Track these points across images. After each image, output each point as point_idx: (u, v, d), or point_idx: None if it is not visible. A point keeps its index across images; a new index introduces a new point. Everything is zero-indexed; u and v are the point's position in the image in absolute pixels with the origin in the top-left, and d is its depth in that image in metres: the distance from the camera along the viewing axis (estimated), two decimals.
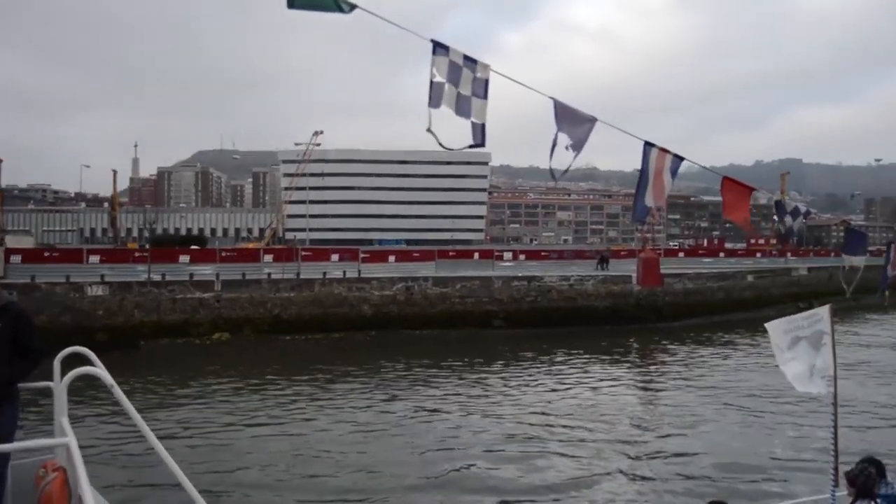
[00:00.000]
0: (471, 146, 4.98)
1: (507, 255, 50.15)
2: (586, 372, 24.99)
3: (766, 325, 7.30)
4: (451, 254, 47.02)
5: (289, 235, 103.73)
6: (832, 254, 65.54)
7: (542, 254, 54.37)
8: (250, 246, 74.39)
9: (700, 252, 64.41)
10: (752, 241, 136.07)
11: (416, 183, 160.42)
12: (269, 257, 38.41)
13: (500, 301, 33.50)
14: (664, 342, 32.07)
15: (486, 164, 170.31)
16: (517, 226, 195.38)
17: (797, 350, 7.02)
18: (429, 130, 4.78)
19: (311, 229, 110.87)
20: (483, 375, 23.86)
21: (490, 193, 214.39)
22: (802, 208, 7.29)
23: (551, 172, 5.08)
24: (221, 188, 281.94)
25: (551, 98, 4.97)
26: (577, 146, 5.01)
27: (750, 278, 43.33)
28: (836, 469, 6.81)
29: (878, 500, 5.91)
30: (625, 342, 31.85)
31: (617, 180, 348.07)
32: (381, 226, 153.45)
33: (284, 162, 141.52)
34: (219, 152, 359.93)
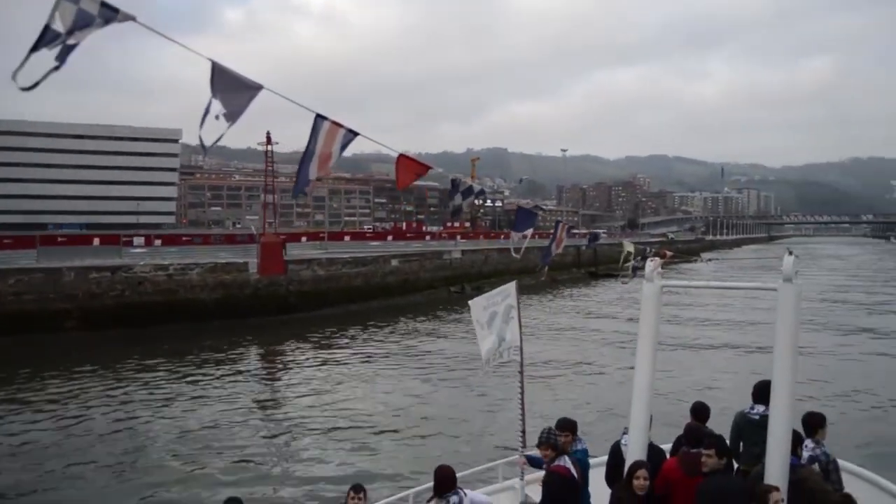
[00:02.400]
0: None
1: (139, 241, 43.49)
2: (187, 381, 22.20)
3: (470, 302, 7.67)
4: (59, 240, 39.46)
5: None
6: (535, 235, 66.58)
7: (184, 238, 48.05)
8: None
9: (349, 235, 61.47)
10: (449, 224, 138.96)
11: (96, 160, 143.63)
12: None
13: (73, 297, 27.43)
14: (289, 340, 30.14)
15: (175, 141, 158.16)
16: (219, 209, 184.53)
17: (494, 325, 7.46)
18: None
19: None
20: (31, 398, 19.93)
21: (191, 174, 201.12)
22: (476, 188, 6.75)
23: (201, 143, 4.42)
24: None
25: (210, 60, 4.40)
26: (233, 116, 4.41)
27: (395, 262, 41.32)
28: (523, 431, 7.47)
29: (569, 458, 6.38)
30: (239, 340, 29.39)
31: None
32: (55, 208, 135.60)
33: None
34: None
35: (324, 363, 25.01)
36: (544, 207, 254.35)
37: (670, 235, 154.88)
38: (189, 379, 22.15)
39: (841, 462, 6.93)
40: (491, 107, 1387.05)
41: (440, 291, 47.34)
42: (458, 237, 68.27)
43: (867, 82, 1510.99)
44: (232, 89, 4.51)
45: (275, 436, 16.22)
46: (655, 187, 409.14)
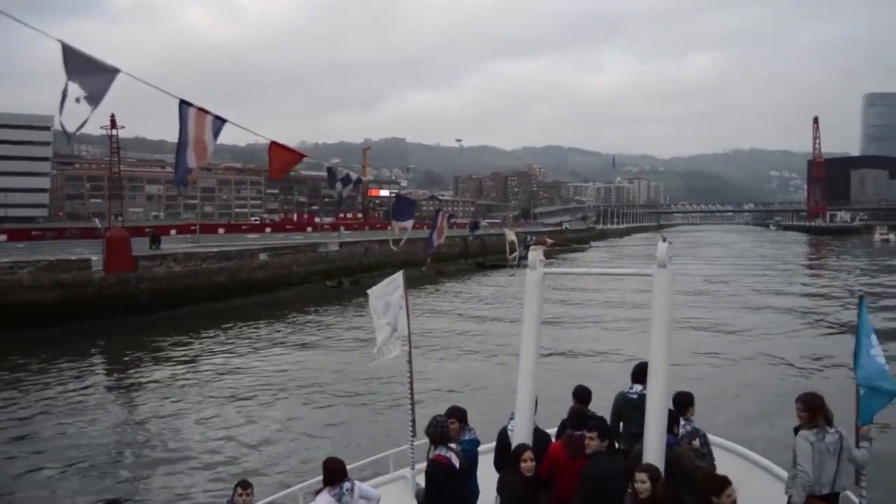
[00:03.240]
0: None
1: None
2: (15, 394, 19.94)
3: (368, 291, 7.86)
4: None
5: None
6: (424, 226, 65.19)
7: (34, 233, 43.96)
8: None
9: (210, 229, 58.11)
10: (342, 215, 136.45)
11: None
12: None
13: None
14: (138, 343, 27.51)
15: (47, 128, 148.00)
16: (99, 200, 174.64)
17: (389, 315, 7.66)
18: None
19: None
20: None
21: (70, 164, 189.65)
22: (354, 177, 6.70)
23: (63, 129, 4.35)
24: None
25: (59, 41, 4.24)
26: (94, 100, 4.32)
27: (263, 257, 38.95)
28: (413, 421, 7.88)
29: (455, 446, 6.59)
30: (81, 345, 26.83)
31: (228, 153, 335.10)
32: None
33: None
34: None
35: (185, 362, 24.07)
36: (440, 197, 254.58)
37: (565, 225, 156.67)
38: (18, 391, 20.14)
39: (711, 437, 7.45)
40: (390, 97, 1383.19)
41: (315, 286, 45.30)
42: (342, 228, 66.05)
43: (750, 77, 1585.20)
44: (88, 72, 4.38)
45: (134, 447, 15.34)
46: (551, 178, 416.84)
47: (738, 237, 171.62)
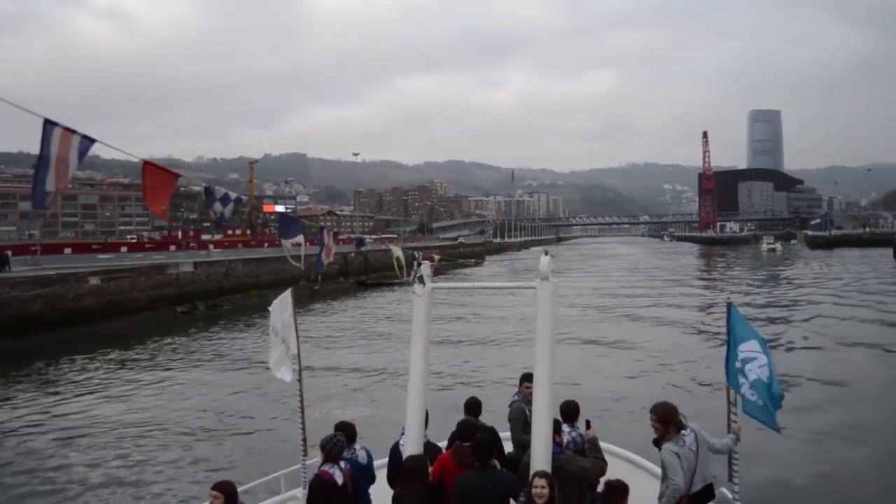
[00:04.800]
0: None
1: None
2: None
3: (270, 308, 7.84)
4: None
5: None
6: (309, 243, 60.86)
7: None
8: None
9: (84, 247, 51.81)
10: (230, 231, 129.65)
11: None
12: None
13: None
14: None
15: None
16: None
17: (285, 332, 7.70)
18: None
19: None
20: None
21: None
22: (233, 196, 6.52)
23: None
24: None
25: None
26: None
27: (94, 281, 33.06)
28: (304, 440, 7.87)
29: (343, 464, 6.55)
30: None
31: (120, 169, 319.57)
32: None
33: None
34: None
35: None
36: (338, 213, 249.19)
37: (460, 239, 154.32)
38: None
39: (602, 444, 7.47)
40: (292, 111, 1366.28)
41: (163, 313, 39.78)
42: (212, 247, 60.38)
43: (644, 94, 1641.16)
44: None
45: None
46: (452, 192, 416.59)
47: (633, 249, 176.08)
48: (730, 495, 6.46)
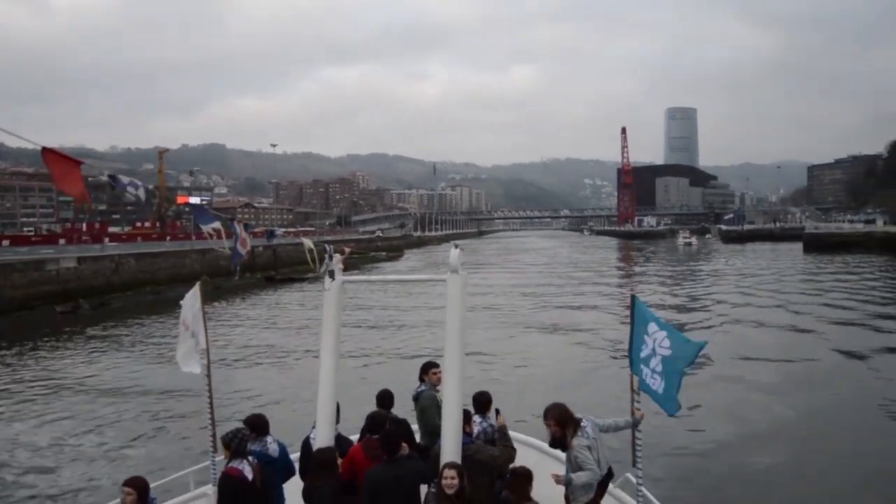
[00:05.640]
0: None
1: None
2: None
3: (181, 302, 7.80)
4: None
5: None
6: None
7: None
8: None
9: None
10: (139, 223, 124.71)
11: None
12: None
13: None
14: None
15: None
16: None
17: (195, 325, 7.60)
18: None
19: None
20: None
21: None
22: (139, 184, 6.07)
23: None
24: None
25: None
26: None
27: None
28: (213, 436, 7.61)
29: (251, 458, 6.45)
30: None
31: (26, 158, 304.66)
32: None
33: None
34: None
35: None
36: (257, 205, 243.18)
37: (378, 232, 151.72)
38: None
39: (512, 433, 7.56)
40: (210, 101, 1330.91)
41: (40, 312, 36.22)
42: (107, 240, 56.35)
43: (567, 90, 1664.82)
44: None
45: None
46: (374, 185, 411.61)
47: (554, 242, 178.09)
48: (634, 480, 6.68)
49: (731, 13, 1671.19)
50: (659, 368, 6.25)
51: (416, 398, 7.85)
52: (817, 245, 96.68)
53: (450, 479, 5.62)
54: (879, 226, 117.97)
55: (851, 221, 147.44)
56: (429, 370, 7.92)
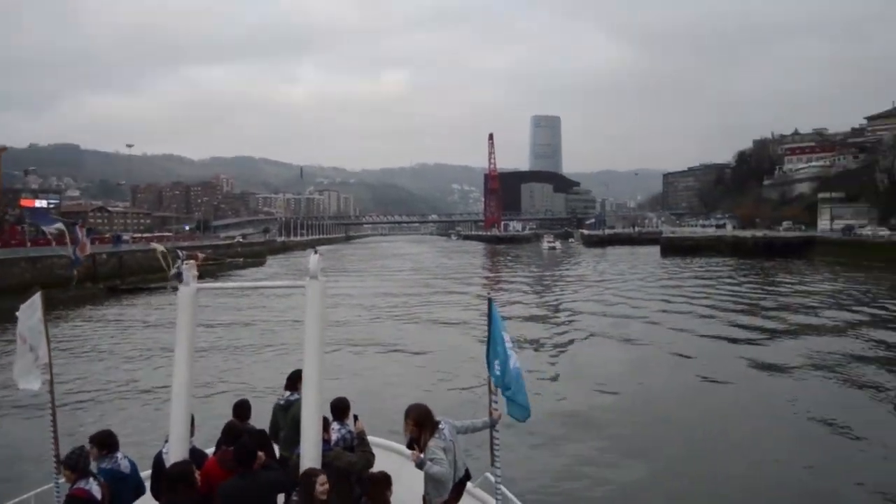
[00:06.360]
0: None
1: None
2: None
3: (17, 313, 7.43)
4: None
5: None
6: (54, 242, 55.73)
7: None
8: None
9: None
10: None
11: None
12: None
13: None
14: None
15: None
16: None
17: (34, 339, 7.31)
18: None
19: None
20: None
21: None
22: None
23: None
24: None
25: None
26: None
27: None
28: (57, 456, 7.30)
29: (98, 477, 6.26)
30: None
31: None
32: None
33: None
34: None
35: None
36: (111, 209, 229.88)
37: (237, 238, 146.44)
38: None
39: (372, 438, 7.69)
40: (63, 99, 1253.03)
41: None
42: None
43: (437, 96, 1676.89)
44: None
45: None
46: (240, 189, 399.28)
47: (422, 247, 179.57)
48: (493, 479, 6.87)
49: (595, 26, 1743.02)
50: (515, 370, 6.53)
51: (287, 407, 7.60)
52: (673, 249, 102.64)
53: (321, 486, 5.59)
54: (729, 230, 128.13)
55: (703, 226, 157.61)
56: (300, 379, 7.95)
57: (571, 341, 29.54)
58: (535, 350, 27.66)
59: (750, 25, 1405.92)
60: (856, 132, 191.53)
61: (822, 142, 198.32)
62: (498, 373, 6.52)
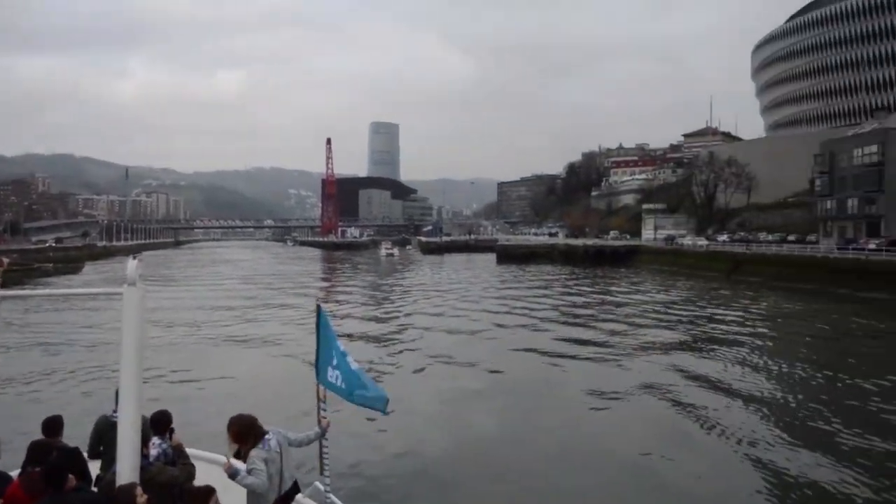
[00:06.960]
0: None
1: None
2: None
3: None
4: None
5: None
6: None
7: None
8: None
9: None
10: None
11: None
12: None
13: None
14: None
15: None
16: None
17: None
18: None
19: None
20: None
21: None
22: None
23: None
24: None
25: None
26: None
27: None
28: None
29: None
30: None
31: None
32: None
33: None
34: None
35: None
36: None
37: (49, 242, 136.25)
38: None
39: (190, 450, 7.41)
40: None
41: None
42: None
43: (275, 98, 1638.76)
44: None
45: None
46: (57, 189, 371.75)
47: (256, 253, 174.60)
48: (322, 487, 7.03)
49: (436, 38, 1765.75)
50: (355, 367, 6.58)
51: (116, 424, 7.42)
52: (508, 256, 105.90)
53: (141, 498, 5.40)
54: (561, 239, 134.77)
55: (536, 234, 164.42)
56: None
57: (404, 364, 27.11)
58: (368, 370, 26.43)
59: (578, 45, 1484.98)
60: (674, 148, 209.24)
61: (644, 156, 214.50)
62: (337, 383, 6.58)
